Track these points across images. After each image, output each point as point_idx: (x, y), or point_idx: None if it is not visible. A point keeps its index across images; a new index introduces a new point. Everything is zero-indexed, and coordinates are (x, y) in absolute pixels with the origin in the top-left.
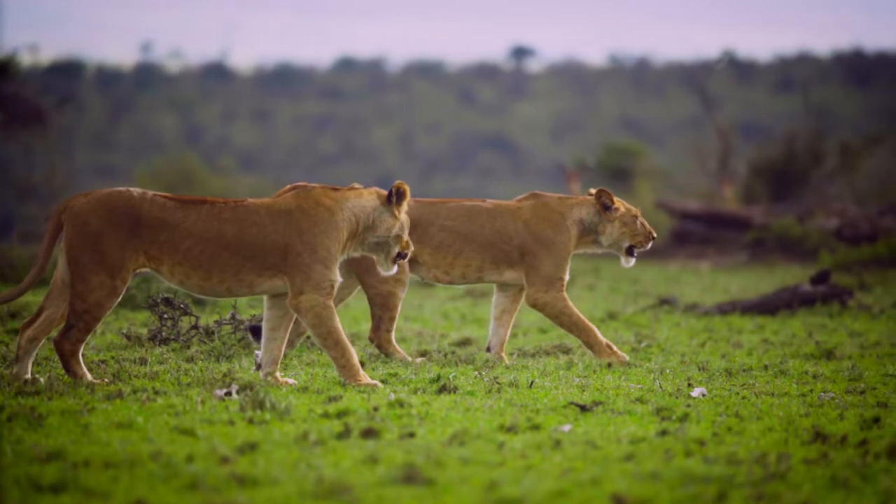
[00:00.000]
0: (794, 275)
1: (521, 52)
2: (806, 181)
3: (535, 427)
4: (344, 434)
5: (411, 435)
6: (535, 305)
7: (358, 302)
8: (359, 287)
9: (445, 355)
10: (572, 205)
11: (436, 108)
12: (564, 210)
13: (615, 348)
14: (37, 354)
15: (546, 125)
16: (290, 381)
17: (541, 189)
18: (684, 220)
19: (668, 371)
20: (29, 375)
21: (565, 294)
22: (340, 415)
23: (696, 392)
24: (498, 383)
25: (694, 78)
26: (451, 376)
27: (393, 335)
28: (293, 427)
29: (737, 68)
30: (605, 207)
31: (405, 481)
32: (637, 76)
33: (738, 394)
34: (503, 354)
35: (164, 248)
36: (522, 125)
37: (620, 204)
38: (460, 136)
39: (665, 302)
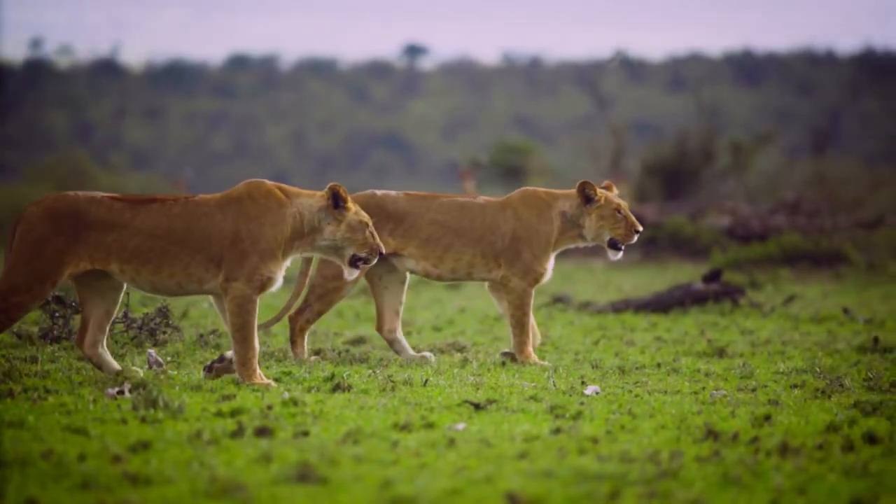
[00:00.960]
0: (687, 273)
1: (414, 51)
2: (698, 180)
3: (430, 425)
4: (237, 433)
5: (305, 433)
6: (504, 285)
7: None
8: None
9: (339, 354)
10: (557, 197)
11: (329, 106)
12: (550, 201)
13: (535, 358)
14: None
15: (439, 123)
16: (273, 383)
17: (434, 187)
18: None
19: (561, 369)
20: (117, 367)
21: (533, 291)
22: (234, 413)
23: (589, 390)
24: (392, 382)
25: (586, 77)
26: (345, 375)
27: (309, 329)
28: (186, 426)
29: (629, 67)
30: (587, 200)
31: (299, 480)
32: (530, 75)
33: (631, 392)
34: (536, 345)
35: (111, 248)
36: (416, 123)
37: (602, 196)
38: (353, 134)
39: (559, 300)
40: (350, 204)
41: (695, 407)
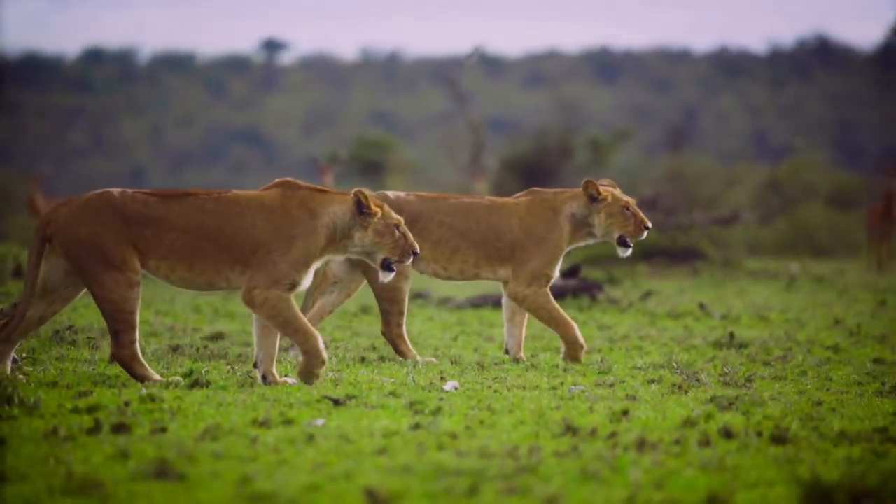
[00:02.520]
0: None
1: (272, 46)
2: (556, 176)
3: (289, 421)
4: (94, 429)
5: (163, 430)
6: (514, 298)
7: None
8: (364, 282)
9: (198, 350)
10: (565, 199)
11: (187, 101)
12: (558, 206)
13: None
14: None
15: (298, 118)
16: (290, 380)
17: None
18: None
19: (421, 365)
20: (9, 374)
21: (547, 290)
22: (91, 410)
23: (448, 386)
24: (251, 378)
25: (445, 73)
26: (203, 371)
27: (404, 330)
28: (42, 422)
29: (488, 64)
30: (591, 199)
31: (157, 476)
32: (389, 70)
33: (489, 387)
34: (521, 355)
35: (150, 244)
36: (275, 119)
37: (608, 194)
38: (212, 129)
39: (419, 296)
40: (375, 208)
41: (553, 402)
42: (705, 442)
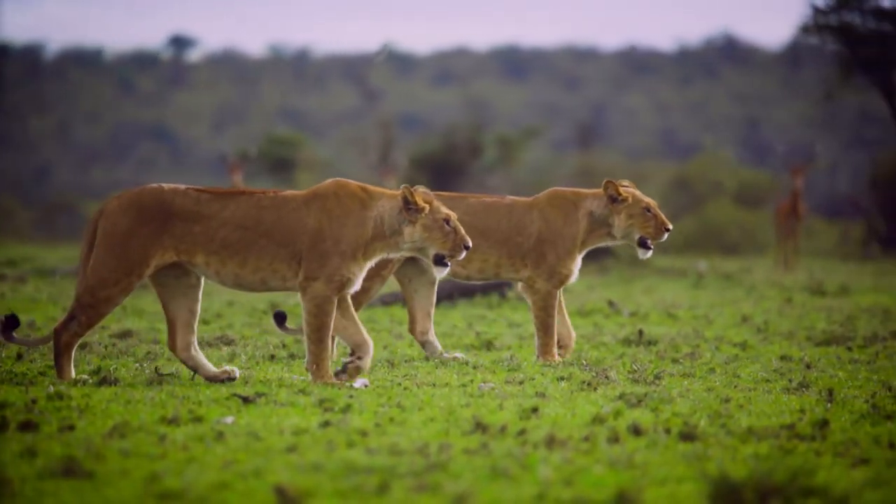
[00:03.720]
0: None
1: (180, 42)
2: (466, 173)
3: (198, 419)
4: (1, 427)
5: (71, 428)
6: (529, 287)
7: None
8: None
9: (106, 347)
10: (584, 197)
11: (94, 97)
12: (577, 201)
13: (557, 357)
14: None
15: (207, 116)
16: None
17: (203, 180)
18: None
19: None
20: (216, 370)
21: (558, 293)
22: None
23: (358, 383)
24: (160, 375)
25: (354, 70)
26: (112, 368)
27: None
28: None
29: (397, 61)
30: (611, 199)
31: (65, 474)
32: (298, 67)
33: (399, 384)
34: (572, 345)
35: (198, 239)
36: (183, 116)
37: (629, 195)
38: (120, 126)
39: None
40: (422, 204)
41: (463, 399)
42: (614, 439)
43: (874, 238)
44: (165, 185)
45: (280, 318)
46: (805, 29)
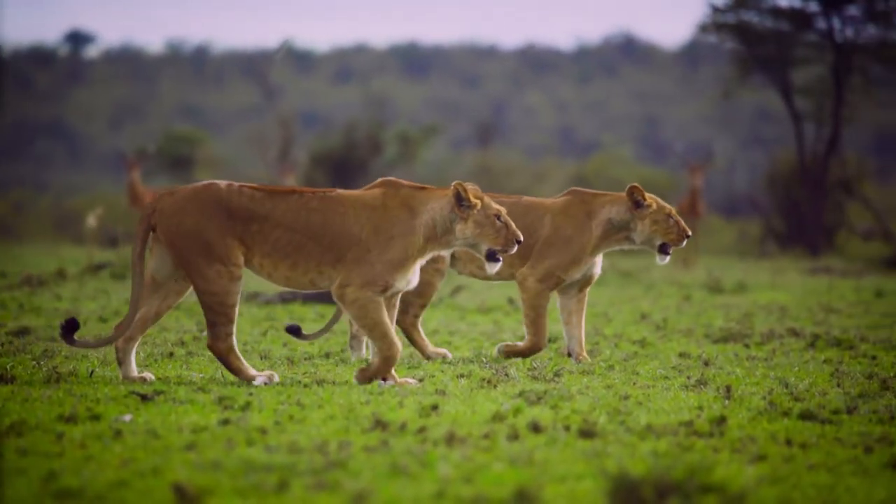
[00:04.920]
0: None
1: (78, 38)
2: (366, 170)
3: (96, 417)
4: None
5: None
6: (520, 283)
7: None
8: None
9: (2, 345)
10: (604, 203)
11: None
12: (594, 209)
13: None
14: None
15: (105, 112)
16: (412, 380)
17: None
18: None
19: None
20: (136, 374)
21: (549, 293)
22: None
23: (258, 380)
24: (57, 373)
25: (254, 67)
26: (8, 366)
27: (419, 322)
28: None
29: (296, 58)
30: (636, 205)
31: None
32: (196, 64)
33: (300, 382)
34: (584, 355)
35: (255, 239)
36: (81, 112)
37: (653, 201)
38: (17, 123)
39: None
40: (474, 200)
41: (363, 397)
42: (514, 436)
43: (771, 236)
44: (221, 183)
45: (295, 332)
46: (703, 28)
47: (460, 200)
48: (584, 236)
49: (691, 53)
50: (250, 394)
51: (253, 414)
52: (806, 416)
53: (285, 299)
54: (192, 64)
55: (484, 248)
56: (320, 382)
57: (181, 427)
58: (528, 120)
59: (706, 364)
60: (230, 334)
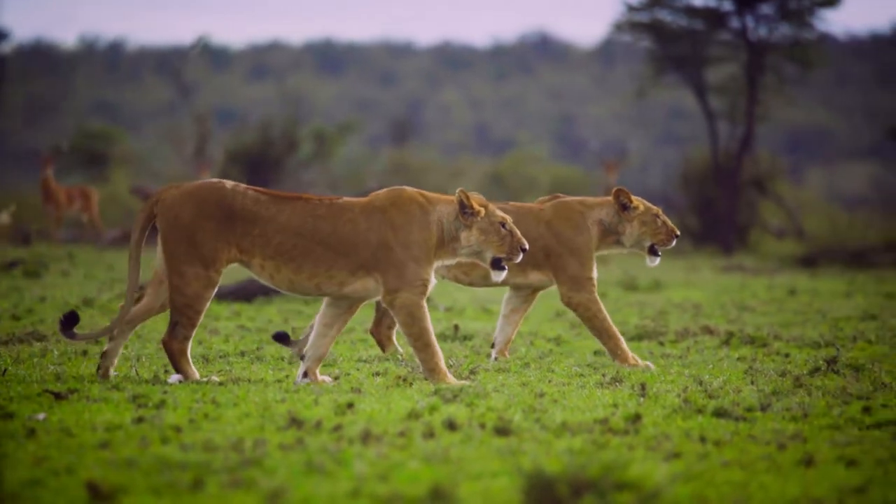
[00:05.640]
0: None
1: None
2: (281, 168)
3: (9, 415)
4: None
5: None
6: (569, 305)
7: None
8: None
9: None
10: (592, 205)
11: None
12: (585, 210)
13: (637, 359)
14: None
15: (19, 109)
16: (327, 378)
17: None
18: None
19: (144, 358)
20: (111, 364)
21: (597, 296)
22: None
23: (173, 378)
24: None
25: (169, 64)
26: None
27: (394, 332)
28: None
29: (212, 55)
30: (623, 207)
31: None
32: (111, 60)
33: (215, 380)
34: (507, 353)
35: (256, 241)
36: None
37: (640, 203)
38: None
39: (142, 288)
40: (478, 208)
41: (279, 395)
42: (430, 434)
43: (685, 234)
44: (226, 182)
45: (283, 339)
46: (618, 26)
47: (463, 208)
48: (585, 235)
49: (606, 52)
50: (165, 392)
51: (168, 412)
52: (720, 413)
53: None
54: (107, 60)
55: (489, 255)
56: (236, 381)
57: (95, 425)
58: (443, 117)
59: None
60: (188, 338)
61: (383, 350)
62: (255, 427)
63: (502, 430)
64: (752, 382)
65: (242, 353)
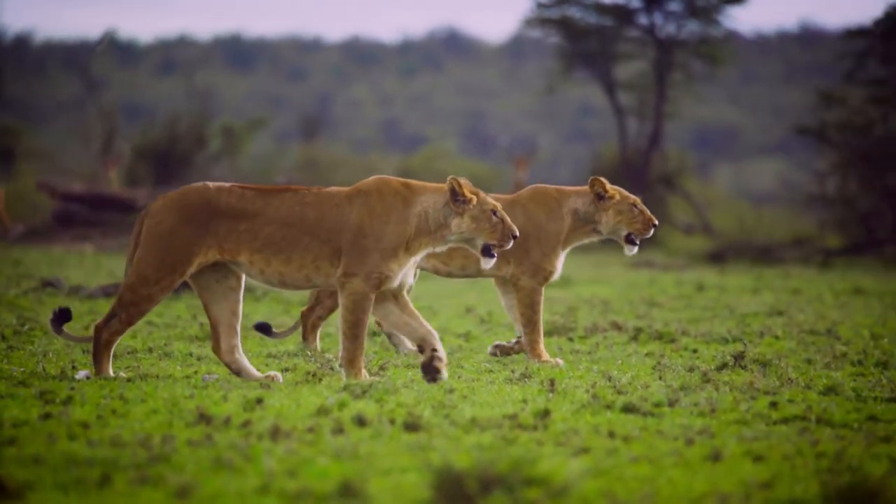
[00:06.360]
0: None
1: None
2: (190, 163)
3: None
4: None
5: None
6: (515, 285)
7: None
8: None
9: None
10: (569, 194)
11: None
12: (561, 199)
13: (548, 356)
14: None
15: None
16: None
17: None
18: (68, 202)
19: (51, 354)
20: (258, 374)
21: (542, 289)
22: None
23: (80, 375)
24: None
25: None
26: None
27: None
28: None
29: (119, 49)
30: (598, 197)
31: None
32: (16, 54)
33: (122, 376)
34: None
35: (242, 237)
36: None
37: (616, 192)
38: None
39: (48, 284)
40: (469, 195)
41: (187, 391)
42: (339, 430)
43: None
44: (211, 184)
45: (265, 329)
46: (528, 22)
47: (455, 195)
48: (557, 224)
49: (516, 48)
50: (72, 388)
51: (75, 408)
52: (628, 408)
53: (108, 293)
54: (12, 54)
55: (479, 243)
56: (144, 377)
57: (2, 422)
58: (353, 113)
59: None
60: (120, 333)
61: (304, 338)
62: (164, 423)
63: (412, 426)
64: (661, 378)
65: (150, 349)
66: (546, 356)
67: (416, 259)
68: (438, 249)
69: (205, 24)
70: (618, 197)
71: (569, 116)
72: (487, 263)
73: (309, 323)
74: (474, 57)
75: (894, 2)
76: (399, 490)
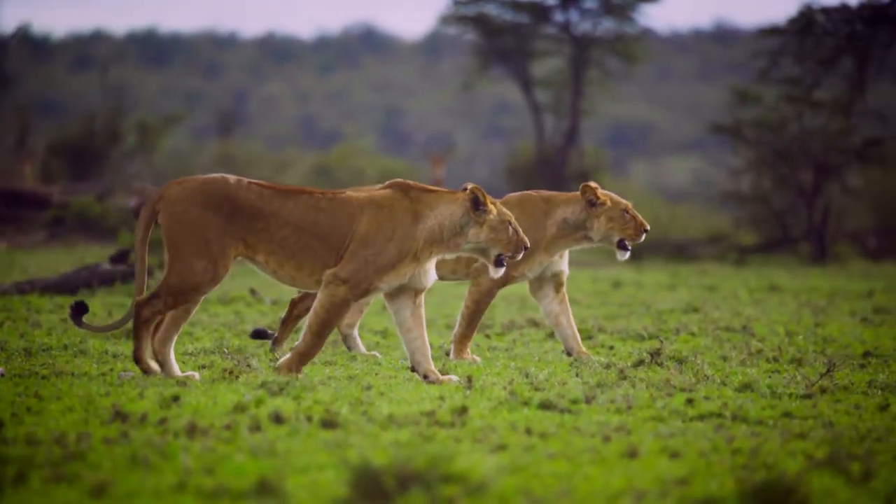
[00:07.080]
0: (95, 254)
1: None
2: (105, 160)
3: None
4: None
5: None
6: (474, 279)
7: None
8: None
9: None
10: (558, 203)
11: None
12: (548, 208)
13: (469, 354)
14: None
15: None
16: (453, 378)
17: None
18: None
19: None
20: (178, 373)
21: (497, 292)
22: None
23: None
24: None
25: None
26: None
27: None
28: None
29: (32, 45)
30: (590, 203)
31: None
32: None
33: (37, 374)
34: (583, 348)
35: (260, 236)
36: None
37: (607, 198)
38: None
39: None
40: (490, 205)
41: (103, 388)
42: (256, 427)
43: None
44: (230, 177)
45: (263, 335)
46: (444, 19)
47: (477, 205)
48: (538, 234)
49: (432, 45)
50: None
51: None
52: (545, 405)
53: (22, 290)
54: None
55: (493, 252)
56: (59, 374)
57: None
58: (269, 110)
59: (447, 354)
60: (160, 313)
61: (283, 322)
62: (79, 421)
63: (329, 423)
64: (577, 375)
65: (66, 347)
66: (467, 354)
67: (427, 266)
68: (449, 257)
69: (119, 19)
70: (609, 203)
71: (485, 114)
72: (497, 273)
73: (295, 313)
74: (391, 54)
75: (808, 1)
76: (316, 487)
